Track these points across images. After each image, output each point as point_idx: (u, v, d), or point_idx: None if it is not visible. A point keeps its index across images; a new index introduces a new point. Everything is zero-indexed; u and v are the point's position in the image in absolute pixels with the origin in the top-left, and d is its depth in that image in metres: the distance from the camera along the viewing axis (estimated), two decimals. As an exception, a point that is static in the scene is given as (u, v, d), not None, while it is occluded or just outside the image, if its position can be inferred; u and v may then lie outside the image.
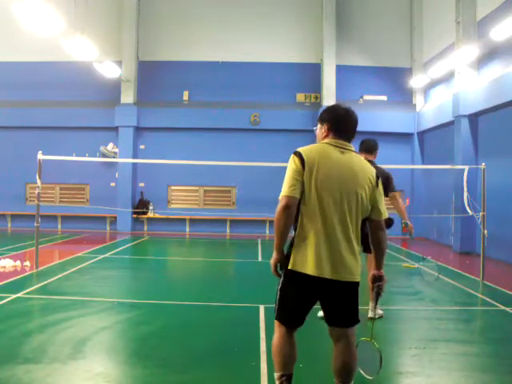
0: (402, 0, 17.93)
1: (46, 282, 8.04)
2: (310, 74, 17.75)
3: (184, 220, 17.52)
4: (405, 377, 4.40)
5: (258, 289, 8.04)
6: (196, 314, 6.51)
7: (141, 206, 17.38)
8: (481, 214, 9.02)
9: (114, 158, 17.10)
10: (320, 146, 3.31)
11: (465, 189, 9.44)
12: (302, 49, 17.86)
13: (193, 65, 17.82)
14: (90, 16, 14.76)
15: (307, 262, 3.13)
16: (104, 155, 17.29)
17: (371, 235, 3.37)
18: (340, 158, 3.23)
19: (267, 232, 17.34)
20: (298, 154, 3.21)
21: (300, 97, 17.77)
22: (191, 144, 17.27)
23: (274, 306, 3.35)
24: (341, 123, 3.33)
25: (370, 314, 5.45)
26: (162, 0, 17.95)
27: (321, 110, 3.52)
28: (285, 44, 17.87)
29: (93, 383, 4.05)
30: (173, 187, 17.99)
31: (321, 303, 3.30)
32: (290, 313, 3.27)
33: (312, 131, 16.92)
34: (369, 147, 6.26)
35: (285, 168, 3.30)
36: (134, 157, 17.26)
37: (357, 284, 3.25)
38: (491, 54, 12.44)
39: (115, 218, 17.43)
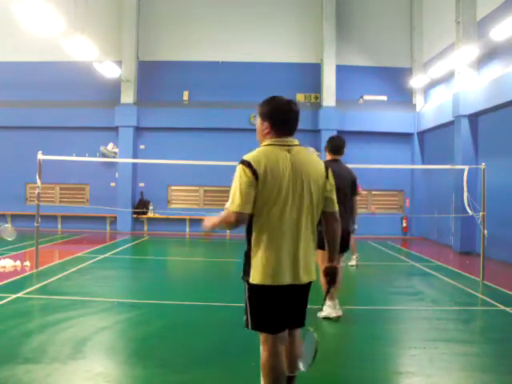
0: (402, 0, 17.93)
1: (45, 282, 8.03)
2: (310, 74, 17.73)
3: (184, 220, 17.52)
4: (405, 377, 4.40)
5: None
6: (196, 313, 6.51)
7: (141, 206, 17.38)
8: (481, 214, 9.02)
9: (114, 158, 17.10)
10: (266, 150, 3.13)
11: (465, 189, 9.44)
12: (302, 49, 17.85)
13: (193, 65, 17.81)
14: (90, 16, 14.74)
15: (269, 273, 3.03)
16: (104, 155, 17.29)
17: (327, 228, 3.27)
18: (289, 159, 3.09)
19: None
20: (248, 164, 3.01)
21: (300, 97, 17.75)
22: (191, 144, 17.25)
23: (244, 317, 3.23)
24: (283, 119, 3.20)
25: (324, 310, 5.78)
26: (162, 0, 17.95)
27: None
28: (285, 44, 17.86)
29: (93, 383, 4.06)
30: (173, 187, 17.99)
31: (281, 307, 3.17)
32: (267, 319, 3.16)
33: (312, 131, 16.92)
34: (335, 148, 6.01)
35: None
36: (134, 157, 17.25)
37: (311, 282, 3.24)
38: (491, 53, 12.43)
39: (115, 218, 17.43)
